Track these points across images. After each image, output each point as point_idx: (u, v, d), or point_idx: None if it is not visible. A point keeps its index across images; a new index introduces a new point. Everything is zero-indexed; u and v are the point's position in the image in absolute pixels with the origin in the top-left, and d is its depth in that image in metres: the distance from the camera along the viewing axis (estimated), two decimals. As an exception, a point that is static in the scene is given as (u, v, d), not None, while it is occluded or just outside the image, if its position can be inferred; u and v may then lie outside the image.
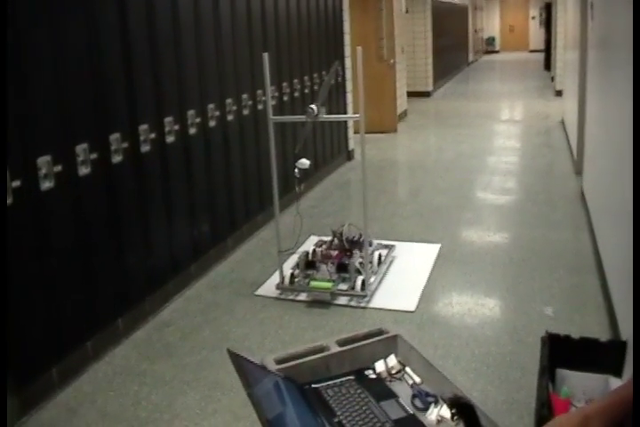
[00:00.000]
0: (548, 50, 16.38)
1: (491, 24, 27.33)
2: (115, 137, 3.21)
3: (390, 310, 3.58)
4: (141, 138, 3.45)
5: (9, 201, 2.57)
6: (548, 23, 16.72)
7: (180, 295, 3.89)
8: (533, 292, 3.75)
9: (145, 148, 3.48)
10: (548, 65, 16.28)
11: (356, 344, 1.80)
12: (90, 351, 3.11)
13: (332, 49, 6.74)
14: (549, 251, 4.36)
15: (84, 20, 3.00)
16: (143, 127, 3.46)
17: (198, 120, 4.05)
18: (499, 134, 9.02)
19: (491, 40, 27.19)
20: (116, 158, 3.23)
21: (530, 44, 26.53)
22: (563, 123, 8.99)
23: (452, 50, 16.50)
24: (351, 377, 1.71)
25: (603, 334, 2.96)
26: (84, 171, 2.99)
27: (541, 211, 5.28)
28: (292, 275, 3.86)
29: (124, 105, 3.33)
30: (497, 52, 27.08)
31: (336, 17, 6.83)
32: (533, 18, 26.47)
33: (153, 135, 3.55)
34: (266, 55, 3.65)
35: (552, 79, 13.58)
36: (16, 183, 2.60)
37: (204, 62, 4.13)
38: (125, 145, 3.30)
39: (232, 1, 4.47)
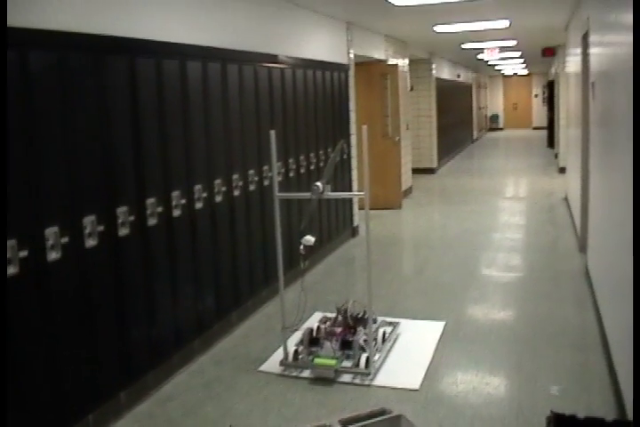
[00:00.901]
0: (551, 127, 16.74)
1: (494, 101, 28.08)
2: (122, 210, 3.39)
3: (394, 388, 3.65)
4: (148, 211, 3.63)
5: (14, 270, 2.71)
6: (550, 101, 17.13)
7: (183, 369, 3.96)
8: (539, 370, 3.82)
9: (152, 221, 3.66)
10: (551, 142, 16.61)
11: (359, 424, 1.82)
12: (91, 424, 3.17)
13: (338, 126, 7.04)
14: (554, 328, 4.45)
15: (95, 94, 3.23)
16: (150, 201, 3.64)
17: (205, 195, 4.24)
18: (503, 211, 9.23)
19: (494, 117, 27.87)
20: (123, 231, 3.40)
21: (533, 121, 27.14)
22: (566, 199, 9.20)
23: (457, 127, 16.96)
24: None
25: (609, 414, 3.02)
26: (90, 243, 3.15)
27: (546, 288, 5.40)
28: (296, 351, 3.94)
29: (132, 179, 3.52)
30: (501, 129, 27.69)
31: (342, 94, 7.16)
32: (536, 96, 27.15)
33: (160, 209, 3.73)
34: (272, 133, 3.87)
35: (555, 156, 13.92)
36: (23, 253, 2.75)
37: (212, 138, 4.37)
38: (132, 218, 3.47)
39: (240, 78, 4.75)
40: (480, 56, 14.38)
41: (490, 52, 13.01)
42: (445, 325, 4.59)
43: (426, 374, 3.80)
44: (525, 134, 24.49)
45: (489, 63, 17.95)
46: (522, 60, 17.48)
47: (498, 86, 28.16)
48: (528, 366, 3.87)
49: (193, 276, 4.14)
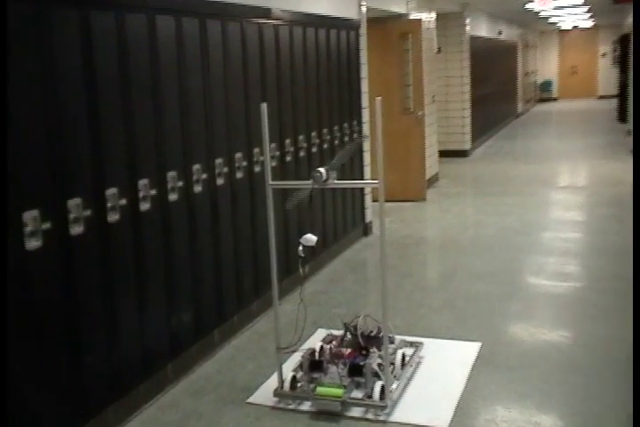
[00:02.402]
0: (623, 96, 16.42)
1: (547, 65, 27.92)
2: (75, 202, 3.37)
3: (417, 425, 3.65)
4: (108, 205, 3.62)
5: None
6: (623, 61, 16.72)
7: (152, 403, 3.97)
8: (602, 410, 3.77)
9: (112, 217, 3.65)
10: (622, 115, 16.35)
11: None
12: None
13: (347, 98, 7.04)
14: (621, 355, 4.37)
15: (39, 52, 3.25)
16: (111, 192, 3.64)
17: (180, 184, 4.25)
18: (555, 204, 9.25)
19: (546, 85, 27.75)
20: (76, 229, 3.39)
21: (599, 88, 26.83)
22: None
23: (497, 98, 16.97)
24: None
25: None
26: (33, 244, 3.15)
27: (612, 303, 5.36)
28: (294, 378, 3.95)
29: (88, 166, 3.50)
30: (554, 99, 27.56)
31: (351, 59, 7.16)
32: (604, 55, 26.66)
33: (123, 201, 3.73)
34: (264, 106, 3.87)
35: (628, 133, 13.82)
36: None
37: (188, 114, 4.37)
38: (88, 213, 3.46)
39: (223, 38, 4.75)
40: (529, 6, 14.29)
41: (542, 1, 12.89)
42: (481, 347, 4.59)
43: (456, 409, 3.80)
44: (587, 106, 24.31)
45: (540, 15, 17.72)
46: (585, 9, 17.06)
47: (551, 45, 27.91)
48: (589, 404, 3.83)
49: (166, 285, 4.15)
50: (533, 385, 4.07)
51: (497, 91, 16.94)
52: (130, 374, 3.85)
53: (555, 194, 9.91)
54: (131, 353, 3.85)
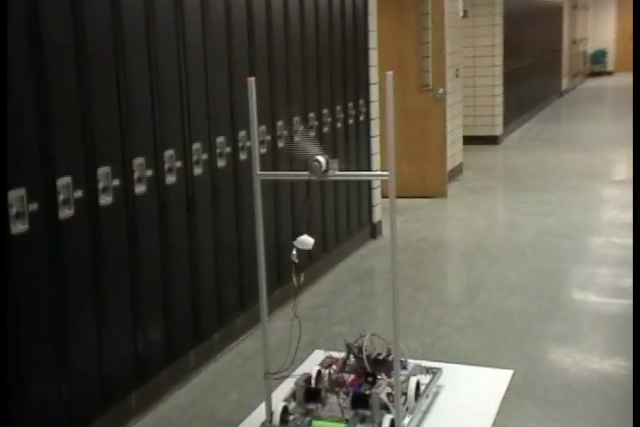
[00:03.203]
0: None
1: (601, 31, 27.74)
2: (17, 194, 3.39)
3: (434, 468, 3.70)
4: (60, 197, 3.63)
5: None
6: None
7: (112, 439, 4.02)
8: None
9: (65, 212, 3.66)
10: (699, 93, 16.48)
11: None
12: None
13: (352, 72, 7.07)
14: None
15: None
16: (64, 181, 3.65)
17: (150, 173, 4.27)
18: (608, 203, 9.28)
19: (599, 56, 27.67)
20: (19, 227, 3.39)
21: (667, 58, 26.93)
22: None
23: (535, 73, 16.99)
24: None
25: None
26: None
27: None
28: (286, 410, 3.95)
29: (36, 153, 3.54)
30: (609, 73, 27.50)
31: (358, 26, 7.18)
32: (675, 17, 26.88)
33: (79, 193, 3.74)
34: (252, 82, 3.89)
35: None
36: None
37: (161, 91, 4.39)
38: (34, 207, 3.47)
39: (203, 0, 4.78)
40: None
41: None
42: (513, 375, 4.60)
43: (483, 449, 3.85)
44: (650, 81, 24.29)
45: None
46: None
47: (608, 5, 27.66)
48: None
49: (130, 297, 4.17)
50: (580, 425, 4.07)
51: (536, 63, 16.94)
52: (85, 405, 3.86)
53: (607, 190, 9.93)
54: (86, 380, 3.87)
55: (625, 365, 4.81)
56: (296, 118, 5.91)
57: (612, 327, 5.44)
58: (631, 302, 5.84)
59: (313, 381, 4.09)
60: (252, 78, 3.89)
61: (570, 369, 4.76)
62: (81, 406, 3.84)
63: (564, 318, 5.55)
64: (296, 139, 5.77)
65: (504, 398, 4.34)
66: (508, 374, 4.62)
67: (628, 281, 6.31)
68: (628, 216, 8.43)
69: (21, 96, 3.40)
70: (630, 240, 7.49)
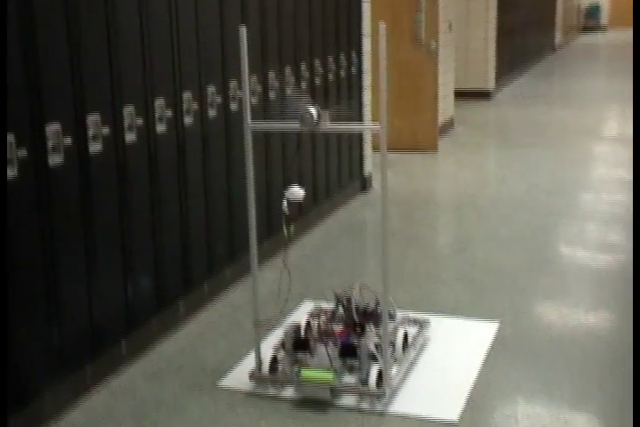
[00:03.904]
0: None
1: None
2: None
3: (420, 418, 3.70)
4: (49, 144, 3.61)
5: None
6: None
7: (102, 387, 4.00)
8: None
9: (55, 159, 3.64)
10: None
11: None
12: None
13: (344, 24, 7.01)
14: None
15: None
16: (53, 128, 3.62)
17: (140, 122, 4.24)
18: (599, 159, 9.30)
19: (593, 10, 27.46)
20: (8, 174, 3.36)
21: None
22: None
23: (529, 27, 16.90)
24: None
25: None
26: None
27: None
28: (275, 359, 3.98)
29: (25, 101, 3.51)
30: (602, 29, 27.34)
31: (352, -24, 7.13)
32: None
33: (69, 141, 3.72)
34: (243, 30, 3.85)
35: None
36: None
37: (152, 37, 4.34)
38: (23, 153, 3.45)
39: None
40: None
41: None
42: (500, 327, 4.63)
43: (468, 401, 3.84)
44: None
45: None
46: None
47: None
48: (632, 401, 3.77)
49: (120, 247, 4.17)
50: (564, 376, 4.10)
51: (530, 17, 16.88)
52: (75, 353, 3.88)
53: (598, 146, 9.94)
54: (76, 328, 3.88)
55: (608, 318, 4.87)
56: (288, 69, 5.88)
57: (598, 282, 5.47)
58: (617, 256, 5.91)
59: (302, 331, 4.12)
60: (244, 27, 3.86)
61: (555, 322, 4.80)
62: (71, 353, 3.85)
63: (551, 273, 5.58)
64: (288, 91, 5.76)
65: (490, 349, 4.37)
66: (495, 326, 4.65)
67: (616, 237, 6.36)
68: (618, 173, 8.48)
69: (9, 39, 3.35)
70: (618, 196, 7.54)
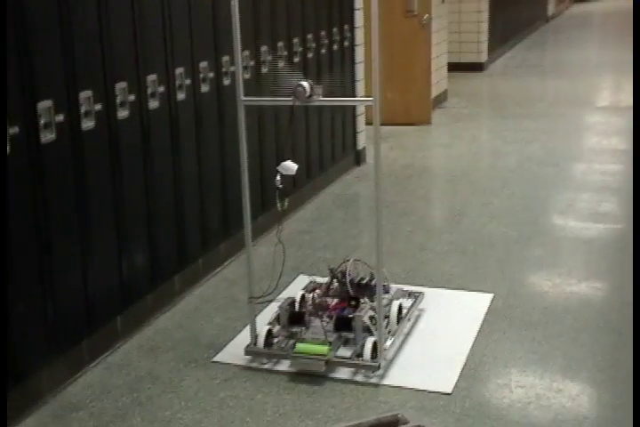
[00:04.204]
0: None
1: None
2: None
3: (415, 389, 3.72)
4: (41, 121, 3.59)
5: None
6: None
7: (98, 362, 4.03)
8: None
9: (47, 136, 3.62)
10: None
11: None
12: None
13: (337, -4, 6.99)
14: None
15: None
16: (44, 104, 3.60)
17: (132, 98, 4.23)
18: (592, 129, 9.29)
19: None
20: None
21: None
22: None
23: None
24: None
25: None
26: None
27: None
28: (270, 333, 4.01)
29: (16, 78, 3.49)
30: (596, -1, 27.29)
31: (343, -52, 7.08)
32: None
33: (61, 117, 3.71)
34: (236, 4, 3.82)
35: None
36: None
37: (143, 12, 4.32)
38: (15, 130, 3.43)
39: None
40: None
41: None
42: (493, 298, 4.66)
43: (462, 372, 3.87)
44: None
45: None
46: None
47: None
48: (623, 368, 3.83)
49: (114, 222, 4.17)
50: (556, 345, 4.13)
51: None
52: (71, 328, 3.89)
53: (591, 116, 9.93)
54: (73, 303, 3.89)
55: (600, 287, 4.90)
56: (280, 43, 5.86)
57: (590, 251, 5.50)
58: (610, 226, 5.94)
59: (297, 305, 4.14)
60: (236, 1, 3.84)
61: (548, 292, 4.82)
62: (67, 329, 3.86)
63: (544, 243, 5.60)
64: (280, 64, 5.75)
65: (484, 320, 4.40)
66: (489, 297, 4.68)
67: (608, 206, 6.39)
68: (610, 142, 8.49)
69: None
70: (611, 166, 7.58)
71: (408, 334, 4.23)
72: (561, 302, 4.66)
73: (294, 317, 4.06)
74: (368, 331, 3.94)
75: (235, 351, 4.07)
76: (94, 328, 4.04)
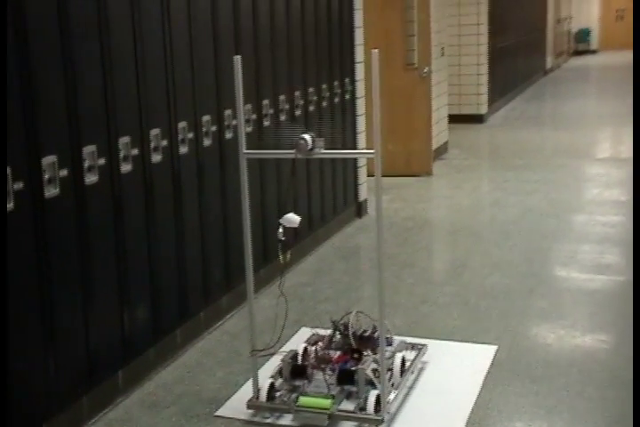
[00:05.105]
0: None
1: (585, 9, 27.61)
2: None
3: (419, 442, 3.73)
4: (45, 176, 3.62)
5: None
6: None
7: (98, 418, 4.00)
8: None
9: (51, 191, 3.65)
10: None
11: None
12: None
13: (337, 51, 7.05)
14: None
15: None
16: (49, 160, 3.63)
17: (135, 152, 4.26)
18: (592, 181, 9.28)
19: (583, 35, 27.59)
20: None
21: (654, 39, 26.96)
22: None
23: (520, 51, 16.98)
24: None
25: None
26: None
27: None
28: (272, 387, 3.98)
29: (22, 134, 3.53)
30: (593, 52, 27.47)
31: (344, 4, 7.14)
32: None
33: (65, 172, 3.73)
34: (238, 59, 3.87)
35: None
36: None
37: (146, 67, 4.37)
38: (19, 186, 3.46)
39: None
40: None
41: None
42: (497, 351, 4.64)
43: (467, 425, 3.84)
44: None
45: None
46: None
47: (591, -16, 27.75)
48: (632, 423, 3.74)
49: (117, 276, 4.17)
50: (562, 399, 4.10)
51: (521, 42, 16.94)
52: (72, 384, 3.87)
53: (591, 168, 9.95)
54: (73, 358, 3.88)
55: (605, 339, 4.86)
56: (282, 97, 5.91)
57: (593, 303, 5.46)
58: (612, 277, 5.91)
59: (299, 358, 4.11)
60: (238, 56, 3.89)
61: (552, 345, 4.80)
62: (67, 384, 3.85)
63: (546, 295, 5.58)
64: (282, 117, 5.80)
65: (488, 373, 4.37)
66: (492, 349, 4.66)
67: (610, 258, 6.36)
68: (611, 194, 8.49)
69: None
70: (612, 218, 7.56)
71: (411, 388, 4.21)
72: (565, 355, 4.64)
73: (297, 370, 4.04)
74: (371, 384, 3.91)
75: (237, 406, 4.05)
76: (95, 383, 4.03)
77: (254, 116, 5.51)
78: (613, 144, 11.82)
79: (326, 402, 3.83)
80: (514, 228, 7.28)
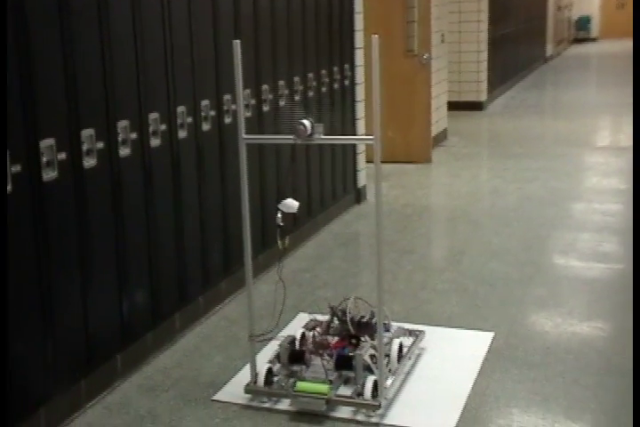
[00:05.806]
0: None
1: (585, -2, 27.66)
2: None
3: (416, 429, 3.73)
4: (44, 159, 3.61)
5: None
6: None
7: (96, 401, 4.01)
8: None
9: (49, 174, 3.64)
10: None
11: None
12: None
13: (337, 37, 7.03)
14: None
15: None
16: (47, 143, 3.63)
17: (134, 136, 4.26)
18: (591, 169, 9.29)
19: (583, 22, 27.53)
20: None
21: (653, 25, 26.93)
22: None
23: (520, 38, 16.96)
24: None
25: None
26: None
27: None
28: (270, 372, 3.99)
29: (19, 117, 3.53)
30: (593, 40, 27.41)
31: (343, -12, 7.15)
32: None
33: (63, 156, 3.73)
34: (237, 44, 3.86)
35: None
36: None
37: (145, 52, 4.35)
38: (17, 169, 3.45)
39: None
40: None
41: None
42: (494, 338, 4.65)
43: (463, 411, 3.85)
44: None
45: None
46: None
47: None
48: (627, 411, 3.74)
49: (116, 261, 4.18)
50: (559, 386, 4.11)
51: (521, 29, 16.92)
52: (71, 367, 3.88)
53: (591, 156, 9.95)
54: (72, 343, 3.89)
55: (602, 327, 4.87)
56: (281, 82, 5.90)
57: (591, 291, 5.47)
58: (611, 266, 5.92)
59: (297, 343, 4.13)
60: (238, 41, 3.87)
61: (550, 332, 4.81)
62: (66, 368, 3.85)
63: (545, 283, 5.59)
64: (281, 103, 5.79)
65: (485, 359, 4.38)
66: (489, 336, 4.67)
67: (609, 246, 6.37)
68: (610, 182, 8.50)
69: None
70: (611, 206, 7.56)
71: (409, 373, 4.22)
72: (562, 343, 4.65)
73: (295, 355, 4.05)
74: (369, 370, 3.93)
75: (235, 390, 4.05)
76: (94, 367, 4.04)
77: (253, 102, 5.50)
78: (613, 133, 11.82)
79: (324, 387, 3.84)
80: (513, 215, 7.29)
